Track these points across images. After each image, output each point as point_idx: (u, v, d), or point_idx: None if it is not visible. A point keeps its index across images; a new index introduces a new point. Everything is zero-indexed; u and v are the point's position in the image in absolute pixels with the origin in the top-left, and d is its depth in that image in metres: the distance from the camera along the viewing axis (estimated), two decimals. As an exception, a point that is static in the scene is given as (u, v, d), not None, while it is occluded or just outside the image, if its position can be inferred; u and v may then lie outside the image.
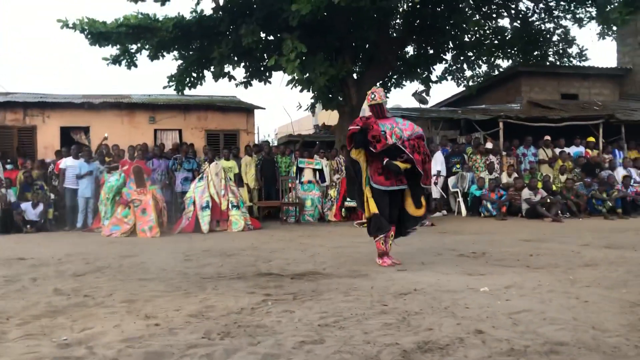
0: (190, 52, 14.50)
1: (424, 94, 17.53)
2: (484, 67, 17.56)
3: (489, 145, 13.63)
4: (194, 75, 14.55)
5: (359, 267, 5.74)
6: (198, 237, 9.49)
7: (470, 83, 17.70)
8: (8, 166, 12.37)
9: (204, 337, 3.26)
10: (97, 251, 7.67)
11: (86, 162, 11.59)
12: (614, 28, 15.48)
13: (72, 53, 65.83)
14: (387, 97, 6.09)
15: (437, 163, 12.26)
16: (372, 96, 5.99)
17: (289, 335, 3.24)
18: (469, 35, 16.05)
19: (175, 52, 14.53)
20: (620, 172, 12.91)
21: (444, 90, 58.26)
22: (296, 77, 12.50)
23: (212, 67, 14.09)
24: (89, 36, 12.82)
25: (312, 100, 15.45)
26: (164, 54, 14.27)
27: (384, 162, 5.80)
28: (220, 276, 5.44)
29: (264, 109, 17.00)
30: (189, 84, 14.43)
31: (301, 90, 14.03)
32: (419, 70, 16.18)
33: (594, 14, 15.38)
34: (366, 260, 6.26)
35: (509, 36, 16.42)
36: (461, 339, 3.04)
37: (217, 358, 2.86)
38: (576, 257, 6.17)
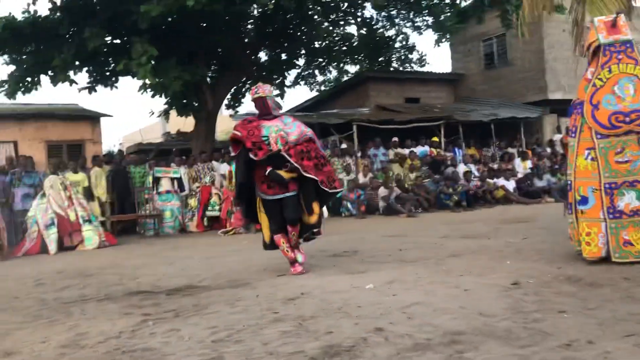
0: (24, 56, 13.18)
1: (277, 99, 17.67)
2: (335, 73, 18.21)
3: (344, 146, 14.12)
4: (29, 79, 13.22)
5: (238, 277, 5.54)
6: (46, 259, 8.60)
7: (322, 88, 18.24)
8: None
9: (85, 369, 2.89)
10: None
11: None
12: (448, 35, 16.91)
13: None
14: (272, 93, 5.60)
15: None
16: (256, 90, 5.46)
17: (182, 356, 2.99)
18: (319, 42, 16.51)
19: (6, 56, 13.12)
20: (461, 168, 14.05)
21: (297, 96, 59.55)
22: (148, 82, 11.90)
23: (50, 72, 12.92)
24: None
25: (166, 106, 14.83)
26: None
27: (267, 171, 5.33)
28: (85, 299, 4.93)
29: (112, 116, 16.00)
30: (23, 89, 13.07)
31: (153, 96, 13.41)
32: (273, 75, 16.29)
33: (430, 22, 16.66)
34: (242, 269, 6.08)
35: (356, 43, 17.19)
36: (364, 338, 3.02)
37: (108, 391, 2.54)
38: (441, 248, 6.54)
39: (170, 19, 12.21)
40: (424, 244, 7.11)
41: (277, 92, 16.90)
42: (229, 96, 15.99)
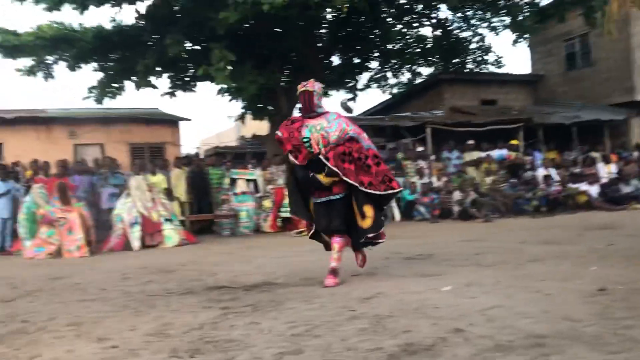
0: (110, 63, 13.92)
1: (349, 103, 17.70)
2: (407, 75, 18.06)
3: (420, 149, 13.98)
4: (115, 85, 13.95)
5: (312, 275, 5.60)
6: (130, 255, 9.03)
7: (395, 90, 18.13)
8: None
9: (172, 355, 3.01)
10: (22, 274, 7.09)
11: (2, 181, 10.76)
12: (526, 36, 16.37)
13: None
14: (320, 91, 5.16)
15: None
16: (305, 84, 5.15)
17: (263, 348, 3.06)
18: (392, 44, 16.43)
19: (95, 63, 13.91)
20: (541, 172, 13.56)
21: (368, 99, 59.54)
22: (226, 87, 12.26)
23: (134, 78, 13.57)
24: (1, 49, 11.99)
25: (242, 110, 15.22)
26: (82, 65, 13.62)
27: (310, 174, 5.08)
28: (168, 292, 5.13)
29: (190, 120, 16.60)
30: (110, 95, 13.81)
31: (230, 100, 13.83)
32: (345, 79, 16.37)
33: (507, 22, 16.20)
34: (316, 268, 6.13)
35: (430, 44, 16.98)
36: (443, 338, 2.98)
37: (194, 377, 2.65)
38: (520, 253, 6.34)
39: (246, 25, 12.54)
40: (502, 248, 6.92)
41: (349, 96, 16.99)
42: (302, 100, 16.20)
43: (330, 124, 5.05)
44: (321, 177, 5.03)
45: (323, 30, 15.48)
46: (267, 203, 12.28)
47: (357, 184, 4.99)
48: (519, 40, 16.51)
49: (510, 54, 62.91)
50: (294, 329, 3.43)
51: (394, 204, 12.76)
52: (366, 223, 5.10)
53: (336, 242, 5.14)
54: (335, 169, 4.94)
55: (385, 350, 2.85)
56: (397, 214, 12.72)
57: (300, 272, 5.93)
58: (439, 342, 2.93)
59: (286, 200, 11.92)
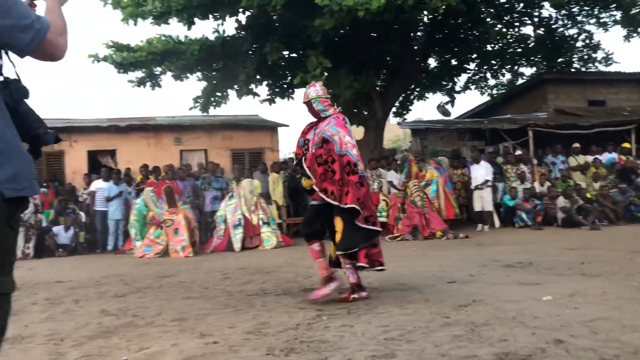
0: (214, 72, 14.59)
1: (447, 106, 17.36)
2: (508, 76, 17.42)
3: (519, 153, 13.44)
4: (218, 94, 14.60)
5: (406, 281, 5.57)
6: (231, 256, 9.40)
7: (495, 92, 17.56)
8: (41, 189, 12.44)
9: (268, 353, 3.13)
10: (133, 272, 7.60)
11: (115, 184, 11.62)
12: (640, 30, 15.27)
13: (98, 78, 67.00)
14: (319, 93, 4.95)
15: (488, 172, 11.99)
16: (305, 92, 5.10)
17: (356, 350, 3.10)
18: (492, 45, 15.93)
19: (199, 73, 14.63)
20: (656, 177, 12.58)
21: (466, 102, 58.02)
22: (322, 93, 12.46)
23: (236, 86, 14.13)
24: (118, 65, 12.94)
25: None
26: (188, 75, 14.38)
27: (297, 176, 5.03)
28: (265, 293, 5.31)
29: (288, 126, 17.00)
30: (214, 104, 14.48)
31: (327, 105, 14.02)
32: (442, 81, 16.09)
33: (618, 17, 15.20)
34: (410, 274, 6.09)
35: (532, 44, 16.29)
36: (542, 349, 2.87)
37: (289, 375, 2.73)
38: (630, 263, 5.94)
39: (342, 31, 12.68)
40: (610, 258, 6.50)
41: (446, 99, 16.66)
42: (397, 104, 16.13)
43: (324, 127, 4.87)
44: (303, 180, 4.97)
45: (419, 33, 15.33)
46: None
47: (317, 189, 4.73)
48: (632, 35, 15.42)
49: (621, 51, 58.81)
50: (387, 333, 3.44)
51: (493, 209, 12.34)
52: (337, 238, 4.75)
53: (309, 249, 4.96)
54: (308, 173, 4.81)
55: (480, 358, 2.80)
56: (496, 221, 12.30)
57: (394, 277, 5.90)
58: (537, 352, 2.83)
59: (380, 205, 11.96)
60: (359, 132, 15.80)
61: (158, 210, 10.12)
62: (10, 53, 1.72)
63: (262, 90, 15.31)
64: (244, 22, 13.43)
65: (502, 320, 3.58)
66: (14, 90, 1.71)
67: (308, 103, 4.99)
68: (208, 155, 15.72)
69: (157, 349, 3.36)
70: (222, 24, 13.55)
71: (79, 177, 13.95)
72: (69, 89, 61.32)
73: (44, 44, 1.68)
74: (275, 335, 3.54)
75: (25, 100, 1.75)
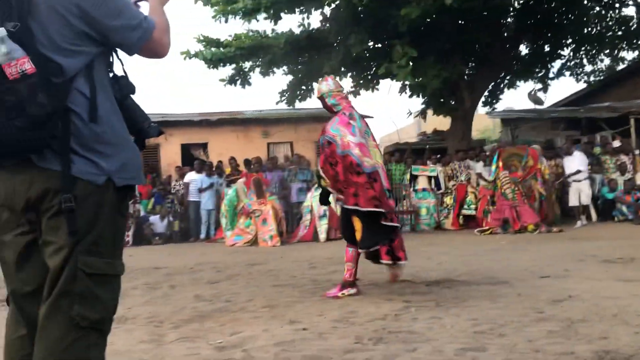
0: (299, 66, 14.79)
1: (539, 94, 16.61)
2: (607, 61, 16.39)
3: (617, 143, 12.65)
4: (304, 88, 14.79)
5: (496, 275, 5.42)
6: (317, 246, 9.54)
7: (592, 79, 16.59)
8: (143, 181, 13.16)
9: (357, 342, 3.16)
10: (225, 260, 7.90)
11: (207, 176, 12.09)
12: None
13: (189, 76, 69.94)
14: (331, 87, 4.84)
15: (581, 163, 11.27)
16: (317, 88, 5.07)
17: (445, 342, 3.07)
18: (589, 29, 15.03)
19: (285, 67, 14.88)
20: None
21: (560, 89, 55.27)
22: (408, 83, 12.32)
23: (321, 79, 14.25)
24: (208, 61, 13.42)
25: (423, 106, 15.15)
26: (275, 70, 14.67)
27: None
28: (352, 283, 5.35)
29: (372, 117, 16.93)
30: (300, 97, 14.68)
31: (411, 96, 13.85)
32: (535, 68, 15.41)
33: None
34: (501, 268, 5.92)
35: (635, 26, 15.20)
36: (647, 349, 2.71)
37: (378, 364, 2.75)
38: None
39: (428, 20, 12.45)
40: None
41: (538, 87, 15.95)
42: (486, 93, 15.64)
43: (327, 128, 4.78)
44: (322, 180, 4.88)
45: (509, 19, 14.74)
46: (448, 200, 12.10)
47: (332, 190, 4.76)
48: None
49: None
50: (477, 327, 3.37)
51: (590, 202, 11.71)
52: (357, 236, 4.69)
53: (346, 251, 4.88)
54: (321, 172, 4.78)
55: (577, 356, 2.69)
56: (593, 214, 11.66)
57: (484, 270, 5.77)
58: (641, 352, 2.67)
59: (469, 197, 11.69)
60: (445, 122, 15.51)
61: (247, 200, 10.44)
62: (118, 51, 1.83)
63: (347, 82, 15.33)
64: (328, 15, 13.50)
65: (602, 317, 3.41)
66: (123, 87, 1.82)
67: (321, 98, 4.92)
68: (294, 148, 16.00)
69: (249, 333, 3.49)
70: (308, 18, 13.70)
71: (173, 169, 14.64)
72: (163, 85, 64.37)
73: (150, 42, 1.74)
74: (363, 325, 3.57)
75: (132, 96, 1.86)
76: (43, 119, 1.54)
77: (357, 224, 4.64)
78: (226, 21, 12.74)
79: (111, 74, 1.81)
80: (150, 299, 4.99)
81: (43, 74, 1.55)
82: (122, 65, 1.84)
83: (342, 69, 13.99)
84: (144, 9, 1.91)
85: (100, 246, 1.66)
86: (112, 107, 1.74)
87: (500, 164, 10.80)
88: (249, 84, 14.55)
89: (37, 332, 1.63)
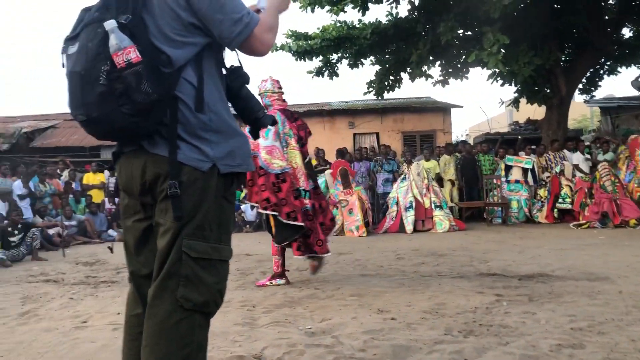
0: (387, 56, 14.67)
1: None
2: None
3: None
4: (392, 78, 14.66)
5: (594, 270, 5.17)
6: (403, 237, 9.48)
7: None
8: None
9: (446, 333, 3.14)
10: (312, 249, 8.02)
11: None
12: None
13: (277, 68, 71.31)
14: (267, 87, 5.13)
15: None
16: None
17: (540, 338, 2.98)
18: None
19: (372, 58, 14.82)
20: None
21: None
22: (498, 71, 11.90)
23: (408, 69, 14.07)
24: (295, 54, 13.63)
25: (515, 95, 14.59)
26: (362, 61, 14.64)
27: None
28: (440, 275, 5.29)
29: (461, 107, 16.55)
30: (388, 88, 14.58)
31: (502, 84, 13.39)
32: (639, 53, 14.40)
33: None
34: (599, 263, 5.63)
35: None
36: None
37: (469, 355, 2.72)
38: None
39: (521, 5, 11.95)
40: None
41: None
42: (583, 80, 14.82)
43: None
44: None
45: (610, 1, 13.86)
46: (542, 192, 11.61)
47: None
48: None
49: None
50: (574, 323, 3.25)
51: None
52: (273, 232, 5.08)
53: (271, 245, 5.26)
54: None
55: (687, 358, 2.52)
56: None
57: (580, 265, 5.51)
58: None
59: (563, 190, 11.16)
60: (540, 111, 14.86)
61: (334, 190, 10.54)
62: None
63: (435, 71, 15.06)
64: (417, 3, 13.29)
65: None
66: (238, 77, 1.88)
67: (260, 95, 5.16)
68: (380, 138, 15.95)
69: (338, 320, 3.55)
70: (396, 7, 13.54)
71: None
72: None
73: (250, 38, 1.74)
74: (453, 317, 3.53)
75: (246, 86, 1.92)
76: (149, 106, 1.62)
77: (272, 220, 5.03)
78: (312, 11, 12.85)
79: (224, 64, 1.87)
80: (243, 283, 5.18)
81: (151, 63, 1.63)
82: (238, 55, 1.89)
83: (430, 57, 13.74)
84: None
85: (206, 230, 1.72)
86: (220, 96, 1.80)
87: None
88: (337, 75, 14.63)
89: (147, 310, 1.74)
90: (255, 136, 1.97)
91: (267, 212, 4.88)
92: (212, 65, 1.81)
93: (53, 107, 53.17)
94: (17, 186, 10.44)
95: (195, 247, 1.71)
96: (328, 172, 11.03)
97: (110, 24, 1.61)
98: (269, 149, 4.93)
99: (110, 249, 7.86)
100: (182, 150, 1.70)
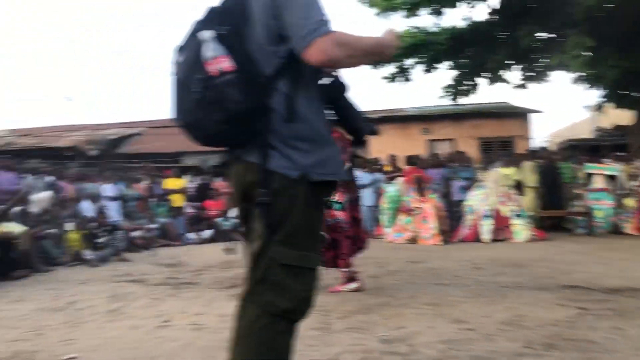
0: (463, 61, 14.40)
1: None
2: None
3: None
4: (468, 83, 14.37)
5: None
6: (480, 246, 9.24)
7: None
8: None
9: (526, 346, 3.04)
10: (386, 256, 7.98)
11: (368, 172, 12.29)
12: None
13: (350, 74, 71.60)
14: None
15: None
16: None
17: (629, 355, 2.83)
18: None
19: (448, 62, 14.58)
20: None
21: None
22: (582, 75, 11.41)
23: (486, 73, 13.75)
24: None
25: (601, 99, 13.91)
26: (437, 66, 14.45)
27: None
28: (519, 286, 5.12)
29: (541, 112, 15.99)
30: (464, 92, 14.30)
31: (588, 88, 12.83)
32: None
33: None
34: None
35: None
36: None
37: (551, 371, 2.62)
38: None
39: (608, 6, 11.41)
40: None
41: None
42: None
43: None
44: None
45: None
46: (629, 202, 10.97)
47: None
48: None
49: None
50: (669, 342, 3.05)
51: None
52: None
53: None
54: None
55: None
56: None
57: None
58: None
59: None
60: (628, 117, 14.09)
61: (407, 198, 10.44)
62: None
63: (514, 76, 14.63)
64: (496, 7, 12.99)
65: None
66: (337, 87, 1.90)
67: None
68: (456, 145, 15.65)
69: (413, 329, 3.51)
70: (473, 10, 13.29)
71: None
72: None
73: (313, 46, 1.67)
74: (533, 329, 3.41)
75: (346, 96, 1.92)
76: (240, 115, 1.68)
77: None
78: (387, 17, 12.81)
79: (322, 73, 1.88)
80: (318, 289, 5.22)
81: (244, 73, 1.68)
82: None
83: (509, 61, 13.37)
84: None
85: (295, 238, 1.75)
86: (313, 106, 1.81)
87: None
88: (410, 80, 14.53)
89: (237, 310, 1.80)
90: (357, 146, 1.99)
91: None
92: (307, 74, 1.80)
93: (138, 115, 55.94)
94: (107, 189, 11.07)
95: (284, 254, 1.74)
96: (401, 179, 10.94)
97: (206, 35, 1.69)
98: None
99: (229, 251, 8.26)
100: (273, 157, 1.74)
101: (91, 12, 76.47)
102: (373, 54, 1.84)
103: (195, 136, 1.81)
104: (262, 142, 1.73)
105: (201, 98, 1.67)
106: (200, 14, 1.81)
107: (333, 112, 1.89)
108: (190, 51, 1.73)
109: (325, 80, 1.89)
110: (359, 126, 1.92)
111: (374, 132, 2.00)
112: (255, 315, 1.74)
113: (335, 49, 1.68)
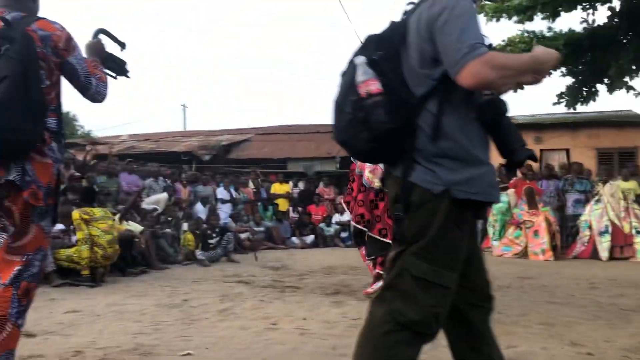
0: (580, 67, 13.59)
1: None
2: None
3: None
4: (586, 90, 13.53)
5: None
6: (597, 264, 8.66)
7: None
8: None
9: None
10: (493, 270, 7.56)
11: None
12: None
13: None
14: None
15: None
16: None
17: None
18: None
19: (563, 69, 13.83)
20: None
21: None
22: None
23: (606, 80, 12.88)
24: None
25: None
26: (551, 72, 13.75)
27: None
28: (644, 310, 4.74)
29: (670, 122, 14.68)
30: (582, 100, 13.47)
31: None
32: None
33: None
34: None
35: None
36: None
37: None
38: None
39: None
40: None
41: None
42: None
43: None
44: None
45: None
46: None
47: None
48: None
49: None
50: None
51: None
52: None
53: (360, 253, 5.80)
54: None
55: None
56: None
57: None
58: None
59: None
60: None
61: (518, 210, 10.02)
62: None
63: (638, 82, 13.60)
64: (618, 9, 12.14)
65: None
66: (493, 108, 1.88)
67: None
68: (570, 155, 14.79)
69: (525, 349, 3.36)
70: (593, 14, 12.51)
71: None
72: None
73: (465, 70, 1.67)
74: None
75: (505, 116, 1.91)
76: (385, 134, 1.76)
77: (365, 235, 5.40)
78: (497, 20, 12.37)
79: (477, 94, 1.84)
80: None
81: (390, 94, 1.77)
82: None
83: (633, 67, 12.43)
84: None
85: (430, 252, 1.76)
86: (462, 125, 1.80)
87: None
88: (522, 88, 13.88)
89: (368, 310, 1.87)
90: (510, 171, 1.95)
91: (359, 227, 5.32)
92: (457, 94, 1.79)
93: (247, 122, 58.28)
94: (221, 192, 11.64)
95: (417, 266, 1.76)
96: (511, 190, 10.50)
97: (358, 60, 1.83)
98: (372, 167, 5.24)
99: (256, 257, 8.65)
100: (415, 171, 1.79)
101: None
102: (529, 71, 1.80)
103: (351, 153, 2.00)
104: (405, 157, 1.81)
105: (352, 118, 1.79)
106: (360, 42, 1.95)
107: (489, 132, 1.85)
108: (347, 76, 1.86)
109: (483, 100, 1.84)
110: (514, 148, 1.86)
111: (531, 157, 1.91)
112: (382, 320, 1.78)
113: (488, 71, 1.67)
